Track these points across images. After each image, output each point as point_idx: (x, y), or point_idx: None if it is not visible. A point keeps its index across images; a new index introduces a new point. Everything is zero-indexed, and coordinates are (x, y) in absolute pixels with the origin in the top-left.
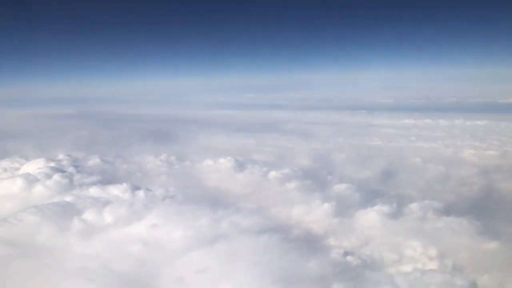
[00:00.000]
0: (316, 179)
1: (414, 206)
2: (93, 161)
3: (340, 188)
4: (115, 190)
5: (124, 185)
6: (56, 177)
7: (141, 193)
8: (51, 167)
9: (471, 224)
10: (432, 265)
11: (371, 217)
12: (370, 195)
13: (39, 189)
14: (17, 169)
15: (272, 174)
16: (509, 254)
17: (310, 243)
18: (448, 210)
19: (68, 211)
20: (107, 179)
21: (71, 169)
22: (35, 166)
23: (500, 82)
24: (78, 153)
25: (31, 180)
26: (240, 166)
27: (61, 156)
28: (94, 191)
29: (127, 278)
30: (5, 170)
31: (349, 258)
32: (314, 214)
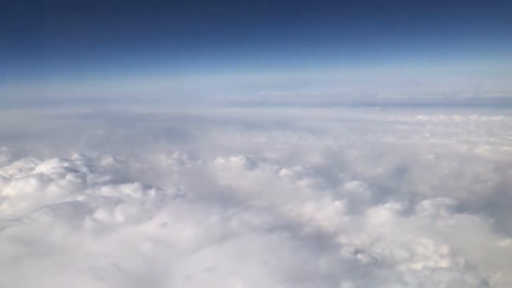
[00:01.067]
0: (327, 177)
1: (426, 203)
2: (106, 160)
3: (351, 185)
4: (127, 190)
5: (136, 184)
6: (70, 177)
7: (152, 192)
8: (65, 167)
9: (484, 221)
10: (444, 263)
11: (382, 215)
12: (382, 193)
13: (52, 189)
14: (32, 169)
15: (284, 171)
16: None
17: (321, 241)
18: (461, 207)
19: (80, 211)
20: (120, 179)
21: (84, 169)
22: (49, 166)
23: None
24: (92, 153)
25: (45, 180)
26: (252, 164)
27: (75, 156)
28: (106, 190)
29: (137, 277)
30: (20, 170)
31: (359, 256)
32: (325, 211)
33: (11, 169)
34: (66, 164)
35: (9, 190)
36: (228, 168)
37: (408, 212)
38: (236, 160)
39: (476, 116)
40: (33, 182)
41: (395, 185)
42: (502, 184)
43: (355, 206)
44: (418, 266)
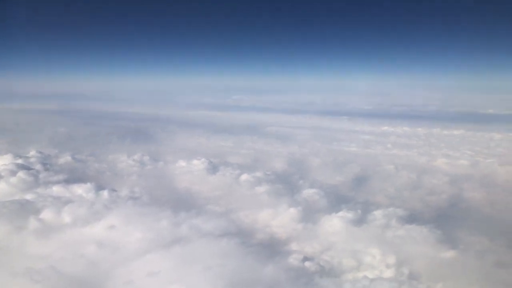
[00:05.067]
0: (287, 183)
1: (378, 213)
2: (64, 159)
3: (309, 193)
4: (79, 190)
5: (88, 184)
6: (21, 174)
7: (105, 193)
8: (17, 164)
9: (431, 232)
10: (389, 273)
11: (335, 223)
12: (338, 201)
13: (1, 186)
14: None
15: (244, 177)
16: (464, 263)
17: (272, 247)
18: (412, 218)
19: (25, 210)
20: (75, 178)
21: (38, 167)
22: (0, 162)
23: (483, 93)
24: (51, 150)
25: None
26: (213, 168)
27: (32, 152)
28: (57, 189)
29: (75, 280)
30: None
31: (307, 264)
32: (280, 218)
33: None
34: (19, 161)
35: None
36: (189, 171)
37: (360, 221)
38: (198, 164)
39: (439, 129)
40: None
41: (351, 194)
42: (454, 197)
43: (309, 214)
44: (364, 275)
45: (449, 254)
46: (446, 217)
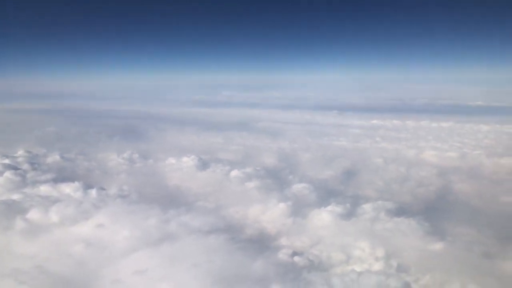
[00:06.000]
0: (277, 179)
1: (367, 206)
2: (53, 158)
3: (298, 187)
4: (67, 189)
5: (76, 183)
6: (8, 174)
7: (93, 192)
8: (4, 164)
9: (419, 225)
10: (378, 266)
11: (324, 217)
12: (327, 195)
13: None
14: None
15: (234, 173)
16: (452, 255)
17: (261, 243)
18: (400, 211)
19: (12, 210)
20: (63, 177)
21: (26, 166)
22: None
23: (472, 86)
24: (40, 150)
25: None
26: (203, 164)
27: (20, 152)
28: (45, 189)
29: (62, 280)
30: None
31: (296, 258)
32: (270, 214)
33: None
34: (6, 161)
35: None
36: (179, 168)
37: (349, 215)
38: (188, 161)
39: (428, 122)
40: None
41: (341, 188)
42: (442, 189)
43: (299, 209)
44: (352, 268)
45: (437, 246)
46: (434, 209)
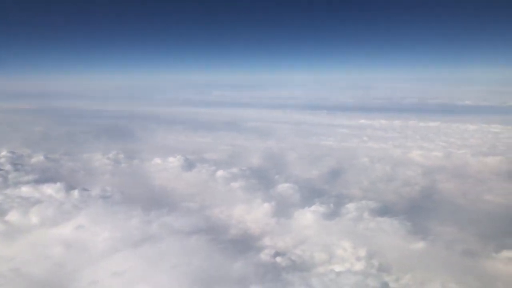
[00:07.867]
0: (262, 179)
1: (351, 206)
2: (37, 158)
3: (283, 187)
4: (49, 190)
5: (59, 184)
6: None
7: (75, 193)
8: None
9: (402, 224)
10: (359, 265)
11: (308, 217)
12: (311, 195)
13: None
14: None
15: (220, 173)
16: (433, 253)
17: (244, 243)
18: (384, 211)
19: None
20: (46, 178)
21: (8, 167)
22: None
23: (461, 85)
24: (24, 150)
25: None
26: (189, 165)
27: (3, 153)
28: (26, 190)
29: (39, 282)
30: None
31: (278, 258)
32: (254, 214)
33: None
34: None
35: None
36: (165, 169)
37: (333, 214)
38: (174, 161)
39: (415, 121)
40: None
41: (326, 187)
42: (427, 188)
43: (283, 209)
44: (335, 268)
45: (419, 245)
46: (418, 209)
